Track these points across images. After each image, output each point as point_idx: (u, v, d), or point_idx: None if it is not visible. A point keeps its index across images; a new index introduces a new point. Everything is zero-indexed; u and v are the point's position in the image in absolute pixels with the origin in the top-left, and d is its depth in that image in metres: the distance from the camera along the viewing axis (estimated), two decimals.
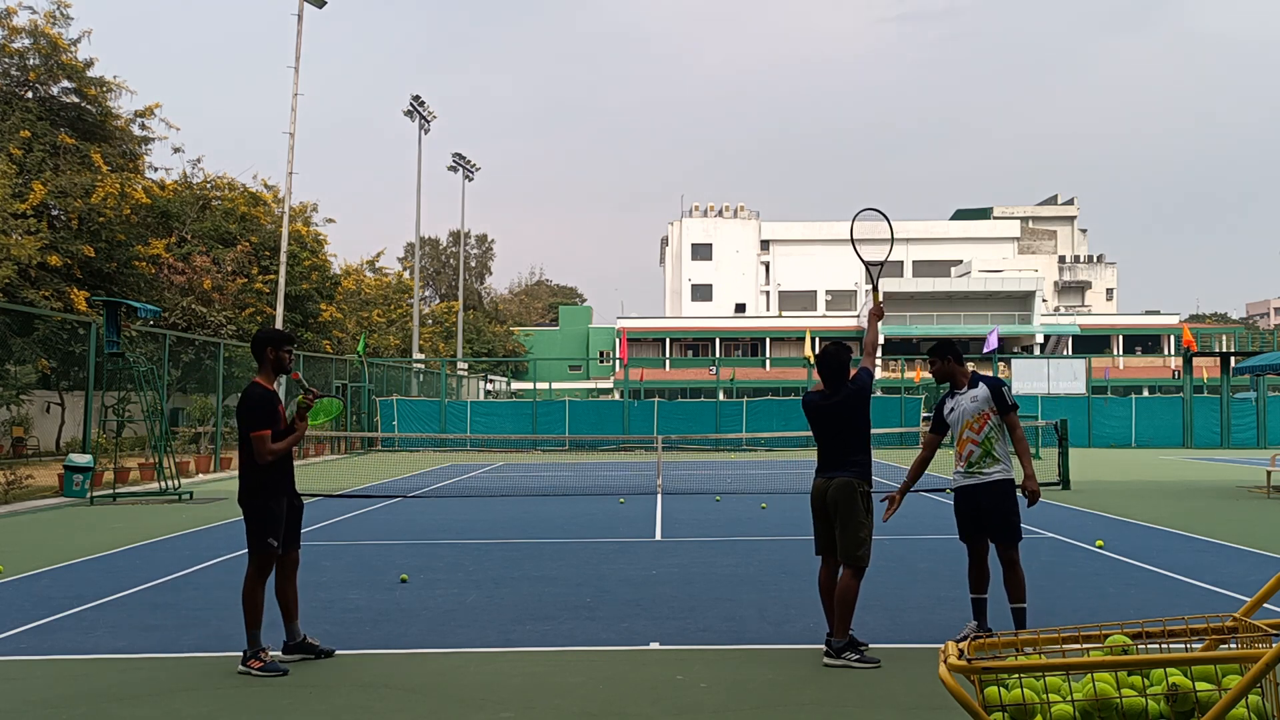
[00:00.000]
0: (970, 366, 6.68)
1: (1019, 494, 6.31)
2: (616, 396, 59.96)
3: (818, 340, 41.58)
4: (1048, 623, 6.41)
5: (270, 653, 5.82)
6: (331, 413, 6.32)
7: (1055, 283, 79.65)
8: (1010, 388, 6.48)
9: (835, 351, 6.09)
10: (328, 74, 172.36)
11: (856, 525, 5.88)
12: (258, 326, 33.69)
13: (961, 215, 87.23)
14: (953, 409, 6.42)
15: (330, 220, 69.03)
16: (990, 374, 6.72)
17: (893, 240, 7.13)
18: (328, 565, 9.50)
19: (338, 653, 6.16)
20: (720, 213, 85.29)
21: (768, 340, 74.77)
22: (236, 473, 6.01)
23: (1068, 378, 37.78)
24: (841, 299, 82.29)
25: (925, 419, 35.87)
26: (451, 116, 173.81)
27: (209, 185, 37.68)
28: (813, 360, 40.31)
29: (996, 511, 6.22)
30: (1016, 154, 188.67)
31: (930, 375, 6.55)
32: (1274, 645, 2.86)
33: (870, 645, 6.09)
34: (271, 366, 6.05)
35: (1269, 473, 16.67)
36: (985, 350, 36.09)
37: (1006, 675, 3.06)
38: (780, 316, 78.63)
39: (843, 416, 6.01)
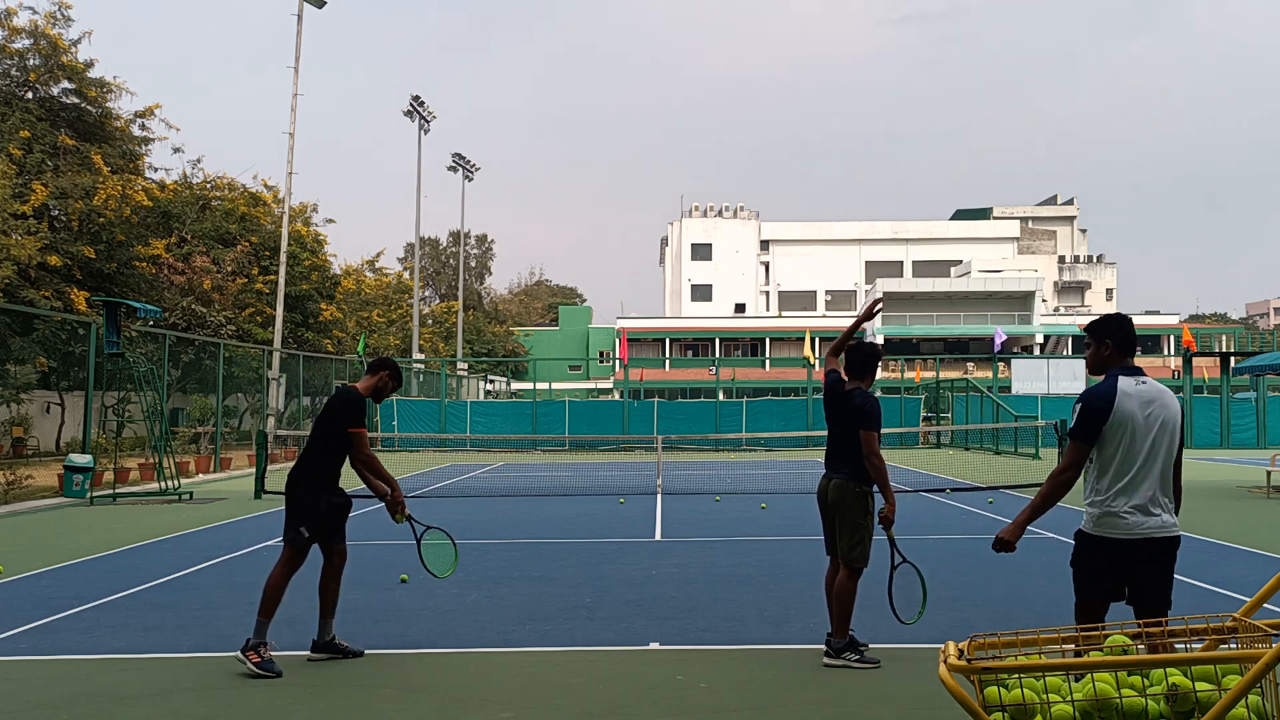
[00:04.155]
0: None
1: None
2: (616, 396, 59.91)
3: (818, 340, 41.52)
4: (1048, 623, 6.41)
5: (270, 650, 5.80)
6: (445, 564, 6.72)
7: (1055, 283, 79.64)
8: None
9: (861, 346, 6.15)
10: (328, 74, 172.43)
11: (852, 526, 5.89)
12: (258, 326, 33.74)
13: (961, 215, 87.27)
14: (1130, 415, 4.38)
15: (330, 220, 69.24)
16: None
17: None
18: None
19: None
20: (720, 213, 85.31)
21: (767, 340, 74.78)
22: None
23: (1068, 378, 37.73)
24: (841, 299, 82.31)
25: (925, 419, 35.65)
26: (451, 116, 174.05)
27: (209, 185, 37.70)
28: (813, 360, 40.01)
29: (1169, 577, 4.51)
30: (1016, 154, 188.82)
31: (1087, 365, 4.50)
32: (1274, 645, 2.86)
33: (870, 645, 6.09)
34: (375, 387, 6.41)
35: (1269, 473, 16.66)
36: (994, 349, 36.09)
37: (1006, 675, 3.06)
38: (780, 316, 78.65)
39: (846, 420, 6.02)
